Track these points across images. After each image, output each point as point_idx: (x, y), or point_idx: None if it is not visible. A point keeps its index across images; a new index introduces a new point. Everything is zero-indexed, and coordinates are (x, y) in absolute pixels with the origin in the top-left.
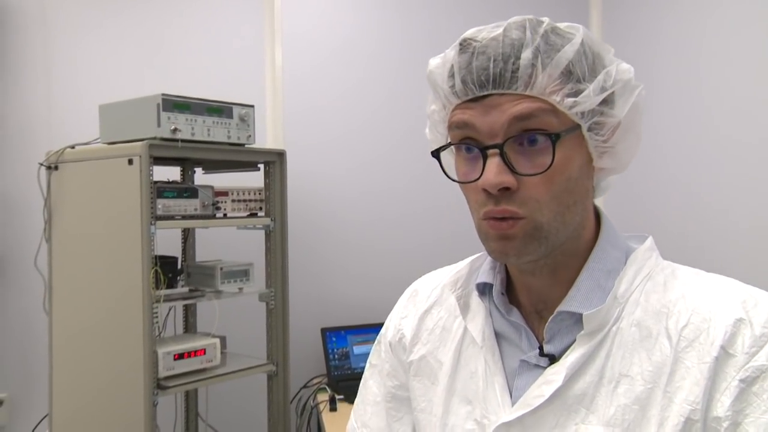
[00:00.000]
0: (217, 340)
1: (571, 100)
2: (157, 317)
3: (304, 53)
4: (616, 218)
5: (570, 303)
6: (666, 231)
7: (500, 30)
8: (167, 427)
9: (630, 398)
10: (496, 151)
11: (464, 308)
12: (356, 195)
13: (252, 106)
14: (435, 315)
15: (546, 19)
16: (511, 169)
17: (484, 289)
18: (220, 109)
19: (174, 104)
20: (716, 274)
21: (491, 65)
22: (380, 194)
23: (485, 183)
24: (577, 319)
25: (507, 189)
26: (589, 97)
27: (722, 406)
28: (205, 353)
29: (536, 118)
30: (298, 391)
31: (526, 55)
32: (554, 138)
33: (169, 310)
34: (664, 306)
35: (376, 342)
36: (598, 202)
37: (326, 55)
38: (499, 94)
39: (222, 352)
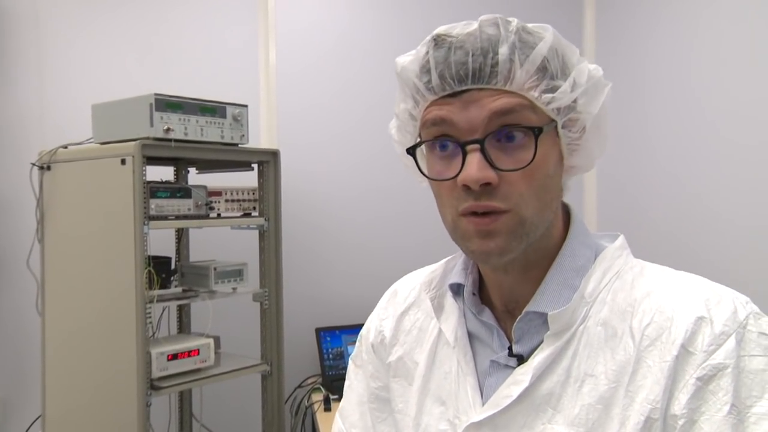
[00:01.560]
0: (211, 341)
1: (548, 95)
2: (150, 317)
3: (298, 52)
4: (606, 217)
5: (538, 303)
6: (659, 230)
7: (475, 26)
8: (161, 428)
9: (594, 397)
10: (477, 146)
11: (438, 309)
12: (350, 194)
13: (245, 106)
14: (412, 316)
15: (514, 19)
16: (491, 165)
17: (458, 290)
18: (213, 109)
19: (167, 104)
20: (684, 272)
21: (470, 60)
22: (374, 194)
23: (467, 178)
24: (545, 319)
25: (488, 185)
26: (566, 93)
27: (679, 403)
28: (198, 353)
29: (516, 114)
30: (293, 391)
31: (504, 50)
32: (537, 132)
33: (163, 310)
34: (629, 305)
35: (357, 341)
36: (592, 199)
37: (320, 54)
38: (478, 89)
39: (216, 352)
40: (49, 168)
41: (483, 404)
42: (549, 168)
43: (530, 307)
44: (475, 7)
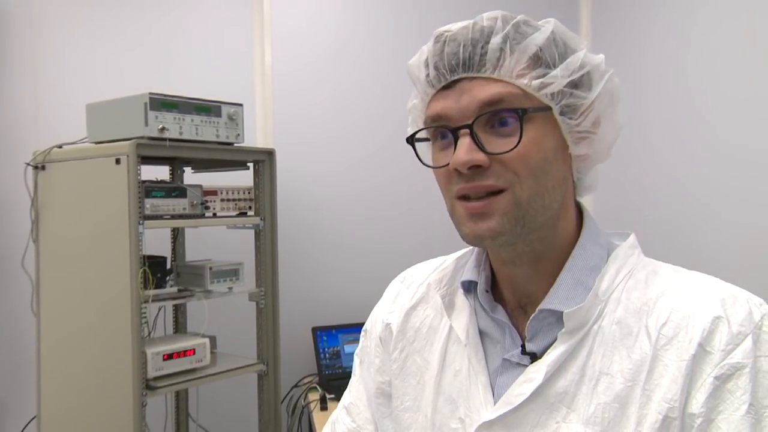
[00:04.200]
0: (207, 340)
1: (538, 81)
2: (145, 317)
3: (293, 52)
4: (604, 216)
5: (551, 301)
6: (654, 229)
7: (473, 21)
8: (157, 428)
9: (610, 396)
10: (467, 130)
11: (449, 306)
12: (346, 194)
13: (240, 105)
14: (421, 313)
15: (521, 16)
16: (482, 149)
17: (469, 287)
18: (208, 108)
19: (161, 103)
20: (696, 272)
21: (461, 50)
22: (370, 193)
23: (455, 161)
24: (559, 317)
25: (479, 167)
26: (557, 78)
27: (697, 402)
28: (194, 353)
29: (506, 102)
30: (289, 391)
31: (496, 40)
32: (521, 113)
33: (159, 310)
34: (644, 304)
35: (362, 334)
36: (587, 200)
37: (316, 53)
38: (470, 79)
39: (212, 352)
40: (43, 168)
41: (494, 403)
42: (545, 151)
43: (544, 305)
44: (470, 7)
